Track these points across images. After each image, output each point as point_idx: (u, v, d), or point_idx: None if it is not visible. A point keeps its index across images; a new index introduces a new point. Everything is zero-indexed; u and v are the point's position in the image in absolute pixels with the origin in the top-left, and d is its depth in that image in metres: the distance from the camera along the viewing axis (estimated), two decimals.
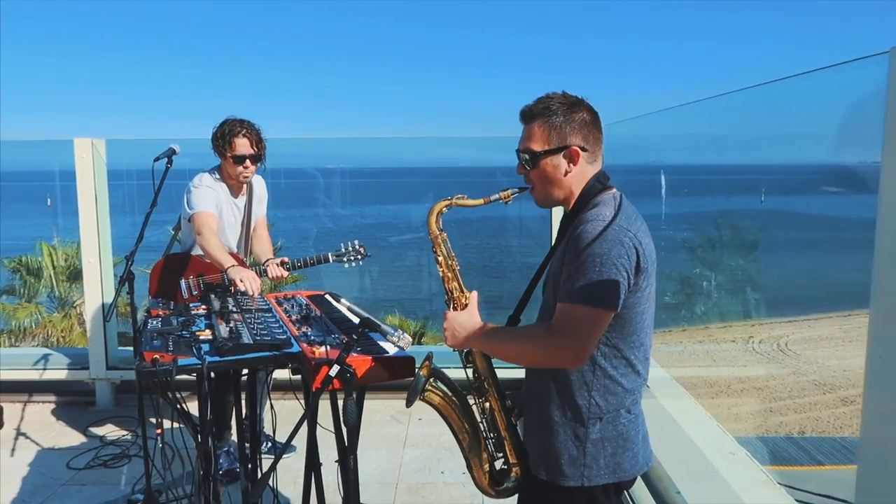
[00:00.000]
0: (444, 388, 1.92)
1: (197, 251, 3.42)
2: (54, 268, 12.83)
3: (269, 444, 3.69)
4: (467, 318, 1.82)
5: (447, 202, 1.86)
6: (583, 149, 1.72)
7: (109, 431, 4.16)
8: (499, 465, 1.93)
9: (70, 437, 4.09)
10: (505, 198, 1.83)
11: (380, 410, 4.40)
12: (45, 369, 4.55)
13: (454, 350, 1.91)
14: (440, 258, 1.89)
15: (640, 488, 3.13)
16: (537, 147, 1.73)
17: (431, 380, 1.90)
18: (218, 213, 3.36)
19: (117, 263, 4.77)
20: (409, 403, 1.89)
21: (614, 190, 1.76)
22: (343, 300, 2.23)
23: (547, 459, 1.76)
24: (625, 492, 3.05)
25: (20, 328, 12.33)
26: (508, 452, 1.90)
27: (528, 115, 1.76)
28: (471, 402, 1.95)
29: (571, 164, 1.72)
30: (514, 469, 1.90)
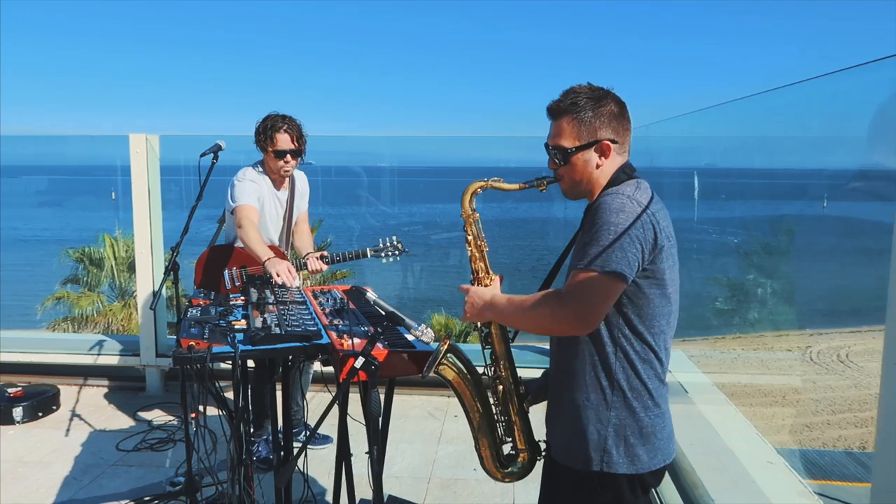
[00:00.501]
0: (460, 365, 1.96)
1: (240, 243, 3.53)
2: (115, 259, 13.40)
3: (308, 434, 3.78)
4: (487, 290, 1.84)
5: (483, 183, 1.88)
6: (613, 141, 1.73)
7: (157, 416, 4.32)
8: (507, 449, 1.96)
9: (120, 421, 4.27)
10: (540, 185, 1.84)
11: (417, 406, 4.45)
12: (99, 354, 4.77)
13: (475, 329, 1.94)
14: (470, 237, 1.92)
15: (672, 493, 3.08)
16: (567, 143, 1.74)
17: (449, 355, 1.94)
18: (260, 207, 3.46)
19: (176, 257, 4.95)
20: (424, 375, 1.93)
21: (640, 179, 1.76)
22: (369, 294, 2.27)
23: (568, 443, 1.76)
24: (654, 492, 3.02)
25: (83, 316, 12.93)
26: (517, 437, 1.92)
27: (555, 111, 1.76)
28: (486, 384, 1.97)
29: (603, 158, 1.73)
30: (521, 454, 1.93)
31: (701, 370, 4.64)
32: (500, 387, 1.92)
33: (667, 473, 3.11)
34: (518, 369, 1.95)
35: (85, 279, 13.89)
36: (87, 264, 13.84)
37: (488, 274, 1.90)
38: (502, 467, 1.95)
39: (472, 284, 1.92)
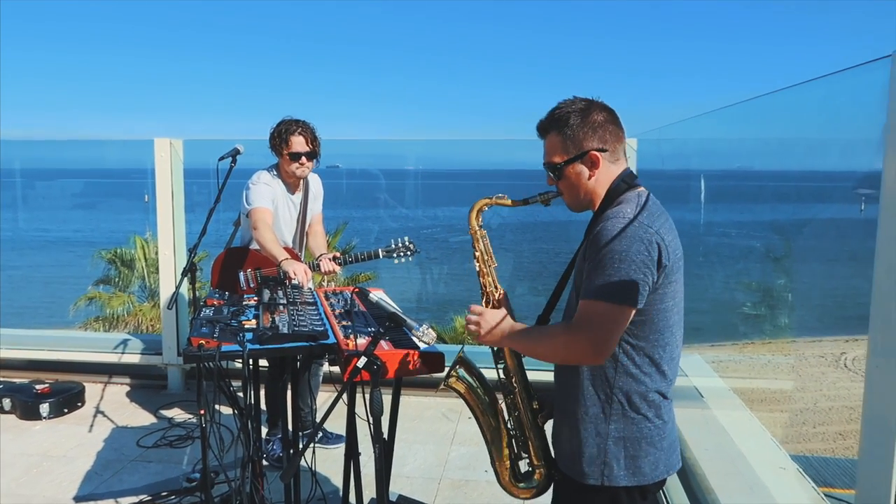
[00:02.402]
0: (471, 380, 1.98)
1: (255, 245, 3.59)
2: (146, 260, 13.69)
3: (321, 434, 3.82)
4: (496, 316, 1.84)
5: (488, 200, 1.92)
6: (602, 150, 1.72)
7: (177, 414, 4.42)
8: (524, 465, 1.95)
9: (142, 418, 4.38)
10: (543, 200, 1.87)
11: (431, 407, 4.47)
12: (123, 353, 4.89)
13: (486, 346, 1.95)
14: (477, 253, 1.95)
15: (683, 499, 3.06)
16: (558, 159, 1.75)
17: (458, 367, 1.97)
18: (274, 209, 3.52)
19: (202, 258, 5.05)
20: (438, 389, 1.99)
21: (640, 188, 1.76)
22: (371, 295, 2.31)
23: (569, 455, 1.77)
24: (663, 496, 2.99)
25: (114, 316, 13.22)
26: (532, 454, 1.91)
27: (543, 129, 1.80)
28: (500, 400, 1.98)
29: (594, 168, 1.73)
30: (537, 471, 1.91)
31: (725, 375, 4.58)
32: (513, 402, 1.93)
33: (678, 478, 3.11)
34: (535, 372, 1.96)
35: (116, 280, 14.21)
36: (119, 265, 14.16)
37: (496, 288, 1.93)
38: (518, 483, 1.94)
39: (481, 299, 1.94)
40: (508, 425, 1.95)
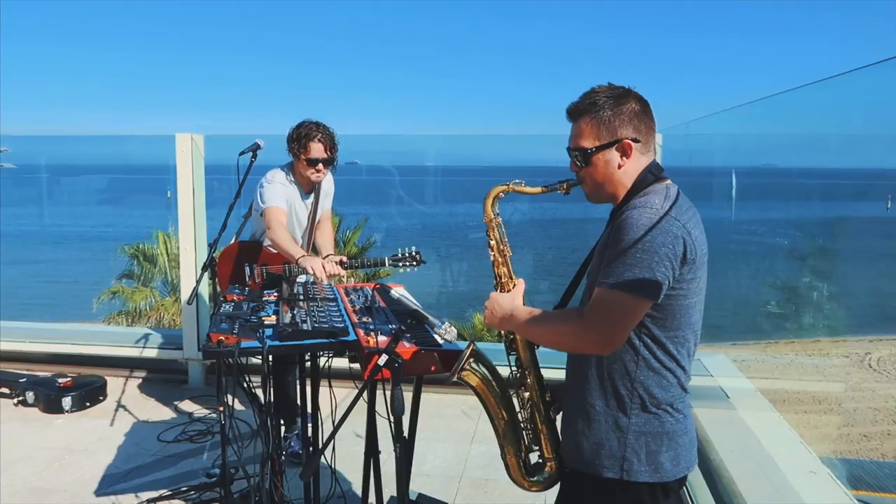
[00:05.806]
0: (484, 371, 1.94)
1: (267, 241, 3.58)
2: (168, 255, 13.74)
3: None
4: (508, 299, 1.82)
5: (504, 187, 1.86)
6: (635, 140, 1.67)
7: (197, 409, 4.43)
8: (534, 457, 1.93)
9: (162, 412, 4.40)
10: (563, 188, 1.80)
11: (451, 405, 4.44)
12: (144, 348, 4.92)
13: (498, 337, 1.92)
14: (492, 242, 1.90)
15: (710, 501, 2.99)
16: (588, 144, 1.70)
17: (472, 360, 1.93)
18: (288, 209, 3.50)
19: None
20: (448, 380, 1.94)
21: (668, 181, 1.71)
22: (393, 291, 2.27)
23: (586, 449, 1.72)
24: (687, 495, 2.93)
25: (136, 310, 13.31)
26: (544, 446, 1.89)
27: (575, 113, 1.73)
28: (511, 392, 1.95)
29: (624, 158, 1.68)
30: (548, 464, 1.90)
31: (749, 375, 4.49)
32: (526, 394, 1.89)
33: (703, 480, 3.04)
34: (547, 369, 1.92)
35: (139, 275, 14.31)
36: (141, 260, 14.23)
37: (511, 279, 1.88)
38: (529, 476, 1.92)
39: (496, 290, 1.89)
40: (520, 417, 1.92)
